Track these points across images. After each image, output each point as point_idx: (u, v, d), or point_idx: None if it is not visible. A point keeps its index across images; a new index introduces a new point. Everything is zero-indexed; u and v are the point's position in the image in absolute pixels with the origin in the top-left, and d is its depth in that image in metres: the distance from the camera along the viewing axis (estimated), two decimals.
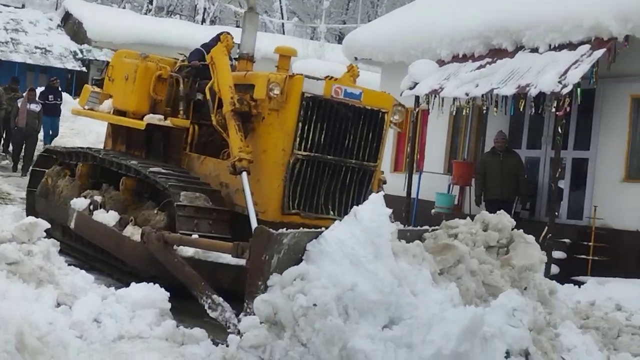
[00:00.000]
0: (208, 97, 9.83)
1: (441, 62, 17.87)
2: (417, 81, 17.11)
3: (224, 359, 6.81)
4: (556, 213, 16.12)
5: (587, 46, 15.03)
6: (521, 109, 15.68)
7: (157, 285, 8.10)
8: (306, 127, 8.97)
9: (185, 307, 8.36)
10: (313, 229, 7.71)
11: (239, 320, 7.11)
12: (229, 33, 10.24)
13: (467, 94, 16.11)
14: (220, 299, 7.73)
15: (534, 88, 15.03)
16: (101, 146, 13.13)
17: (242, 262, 8.11)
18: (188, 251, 8.65)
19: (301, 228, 7.75)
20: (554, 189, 15.81)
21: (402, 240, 7.78)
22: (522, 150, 17.43)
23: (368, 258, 7.23)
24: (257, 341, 6.71)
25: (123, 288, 8.22)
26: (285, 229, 7.43)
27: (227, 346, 6.91)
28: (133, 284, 8.13)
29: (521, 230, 8.86)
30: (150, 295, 7.91)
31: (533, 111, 15.75)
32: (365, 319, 6.81)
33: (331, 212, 9.16)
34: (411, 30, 19.10)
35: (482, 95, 15.87)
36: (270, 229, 7.21)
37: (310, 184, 9.09)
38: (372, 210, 7.56)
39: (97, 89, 12.29)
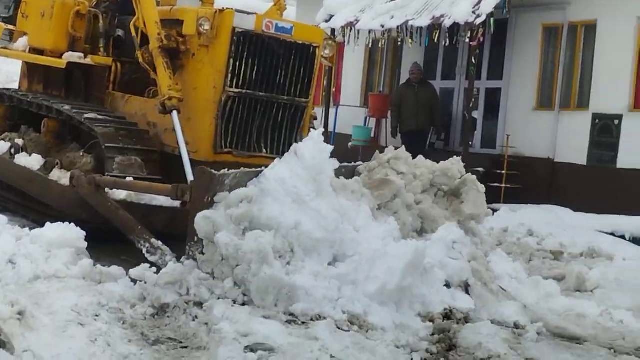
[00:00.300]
0: (133, 33, 9.47)
1: None
2: (333, 14, 17.05)
3: (142, 295, 6.83)
4: (470, 143, 16.50)
5: None
6: (436, 40, 15.80)
7: (72, 224, 7.85)
8: (237, 64, 8.81)
9: (104, 247, 8.17)
10: (253, 169, 7.66)
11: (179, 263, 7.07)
12: None
13: (382, 26, 16.15)
14: (160, 243, 7.62)
15: (448, 19, 15.19)
16: (12, 86, 12.62)
17: (176, 204, 8.01)
18: (120, 194, 8.47)
19: (241, 168, 7.62)
20: (468, 119, 16.12)
21: (341, 177, 7.83)
22: (437, 81, 17.65)
23: (311, 196, 7.24)
24: (173, 278, 6.81)
25: (38, 228, 7.95)
26: (226, 169, 7.39)
27: (145, 283, 6.97)
28: (48, 224, 7.85)
29: (474, 177, 8.95)
30: (65, 235, 7.69)
31: (447, 42, 15.87)
32: (310, 257, 6.87)
33: (264, 150, 9.12)
34: None
35: (397, 27, 15.94)
36: (212, 170, 7.15)
37: (243, 122, 8.99)
38: (313, 147, 7.53)
39: (9, 26, 11.75)
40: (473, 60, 15.81)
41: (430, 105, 16.66)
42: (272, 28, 8.90)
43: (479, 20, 14.72)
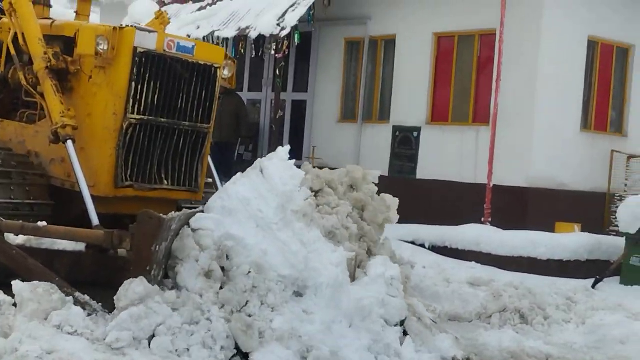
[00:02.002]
0: (13, 52, 8.25)
1: (162, 3, 17.58)
2: (138, 22, 16.68)
3: None
4: None
5: None
6: (242, 52, 15.85)
7: None
8: (139, 87, 7.81)
9: None
10: (194, 209, 6.93)
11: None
12: None
13: (188, 36, 15.96)
14: (87, 297, 6.56)
15: (254, 30, 15.30)
16: None
17: (80, 247, 7.22)
18: (16, 238, 7.41)
19: (150, 210, 6.58)
20: (275, 131, 16.29)
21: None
22: (244, 92, 17.69)
23: (278, 225, 6.57)
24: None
25: None
26: (173, 212, 6.64)
27: None
28: None
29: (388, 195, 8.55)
30: None
31: (254, 54, 15.96)
32: (273, 292, 6.32)
33: (165, 182, 8.15)
34: None
35: (204, 38, 15.83)
36: (160, 214, 6.30)
37: (144, 152, 7.98)
38: (282, 169, 6.81)
39: None
40: (279, 72, 16.01)
41: (236, 116, 16.63)
42: (173, 47, 7.94)
43: (283, 33, 14.91)
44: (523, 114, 14.11)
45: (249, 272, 6.31)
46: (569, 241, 12.69)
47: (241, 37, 15.63)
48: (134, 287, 5.97)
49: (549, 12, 14.11)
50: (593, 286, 10.96)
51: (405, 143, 15.71)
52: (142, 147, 7.94)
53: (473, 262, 12.50)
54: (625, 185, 15.02)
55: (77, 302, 6.30)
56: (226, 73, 8.59)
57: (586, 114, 15.15)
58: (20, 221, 7.14)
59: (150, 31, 7.92)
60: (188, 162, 8.28)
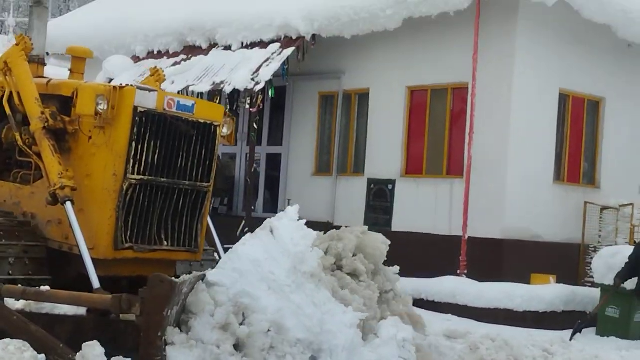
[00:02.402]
0: (8, 112, 8.13)
1: (136, 59, 17.68)
2: (112, 77, 16.75)
3: None
4: (253, 207, 16.65)
5: (278, 44, 15.65)
6: None
7: None
8: (140, 147, 7.65)
9: None
10: (202, 272, 6.80)
11: None
12: (24, 34, 8.57)
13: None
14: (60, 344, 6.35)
15: (228, 85, 15.38)
16: None
17: (82, 311, 7.03)
18: (16, 303, 7.29)
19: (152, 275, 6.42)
20: (250, 184, 16.29)
21: None
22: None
23: (291, 287, 6.44)
24: None
25: None
26: (183, 276, 6.48)
27: None
28: None
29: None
30: None
31: (228, 108, 16.01)
32: (292, 355, 6.20)
33: (165, 242, 7.97)
34: (106, 26, 18.67)
35: (178, 92, 15.85)
36: (172, 278, 6.12)
37: (143, 212, 7.81)
38: (292, 229, 6.71)
39: None
40: (254, 126, 16.07)
41: None
42: (173, 106, 7.79)
43: (258, 87, 15.01)
44: (496, 166, 14.21)
45: (269, 330, 6.21)
46: (545, 292, 12.71)
47: (216, 92, 15.70)
48: None
49: (520, 65, 14.30)
50: (570, 338, 10.94)
51: (380, 195, 15.74)
52: (142, 208, 7.77)
53: (449, 314, 12.46)
54: (599, 236, 15.11)
55: None
56: (225, 131, 8.37)
57: (559, 166, 15.29)
58: (20, 285, 7.03)
59: (150, 90, 7.80)
60: (188, 222, 8.11)
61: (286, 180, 17.09)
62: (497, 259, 13.92)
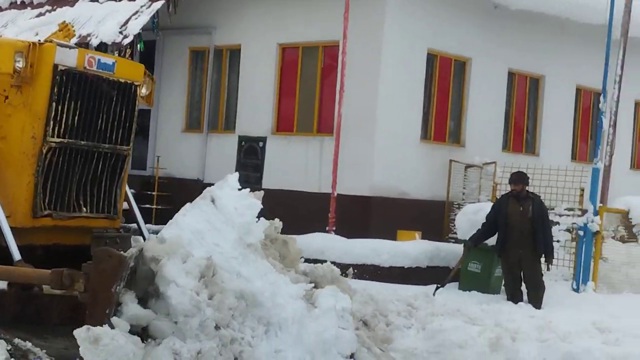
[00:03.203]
0: None
1: None
2: None
3: None
4: None
5: None
6: None
7: None
8: (60, 108, 7.22)
9: None
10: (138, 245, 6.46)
11: None
12: None
13: None
14: (28, 344, 5.92)
15: (95, 38, 14.95)
16: None
17: (2, 285, 6.45)
18: None
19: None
20: None
21: None
22: None
23: (238, 260, 6.17)
24: None
25: None
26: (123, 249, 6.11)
27: None
28: None
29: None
30: None
31: None
32: (249, 327, 5.94)
33: (84, 209, 7.60)
34: None
35: None
36: (119, 252, 5.79)
37: (62, 178, 7.41)
38: (236, 198, 6.40)
39: None
40: None
41: None
42: (94, 64, 7.39)
43: (126, 41, 14.66)
44: (365, 124, 14.40)
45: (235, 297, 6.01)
46: (410, 248, 13.03)
47: (82, 45, 15.19)
48: None
49: (390, 25, 14.47)
50: (434, 293, 11.26)
51: (251, 153, 15.72)
52: (61, 173, 7.37)
53: None
54: (463, 193, 15.58)
55: (14, 351, 5.78)
56: (144, 91, 8.02)
57: (426, 125, 15.62)
58: None
59: (70, 47, 7.38)
60: (107, 188, 7.75)
61: (155, 137, 16.84)
62: (365, 215, 14.17)
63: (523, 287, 11.50)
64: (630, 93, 18.24)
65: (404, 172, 14.80)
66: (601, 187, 13.19)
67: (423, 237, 13.72)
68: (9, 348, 5.80)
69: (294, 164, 15.09)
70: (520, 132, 17.61)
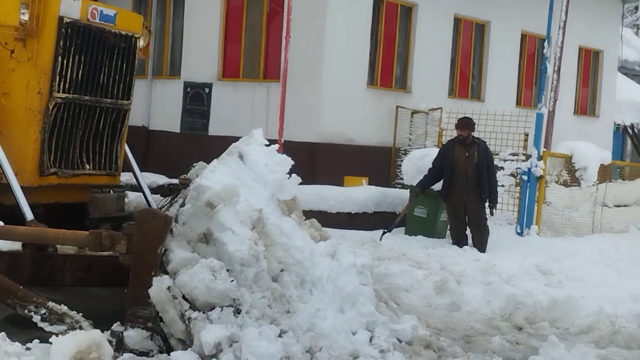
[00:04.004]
0: None
1: None
2: None
3: None
4: None
5: None
6: None
7: None
8: (64, 62, 6.98)
9: None
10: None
11: (115, 334, 5.43)
12: None
13: None
14: (64, 307, 5.66)
15: None
16: None
17: (17, 246, 6.28)
18: None
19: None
20: None
21: None
22: None
23: (275, 216, 6.06)
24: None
25: None
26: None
27: None
28: None
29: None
30: None
31: None
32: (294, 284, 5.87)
33: (87, 166, 7.45)
34: None
35: None
36: (164, 212, 5.64)
37: (67, 134, 7.20)
38: (265, 154, 6.23)
39: None
40: None
41: None
42: (97, 16, 7.16)
43: None
44: (312, 70, 14.32)
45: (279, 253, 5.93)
46: (357, 194, 13.10)
47: None
48: None
49: None
50: (380, 238, 11.37)
51: (197, 99, 15.56)
52: (65, 129, 7.17)
53: None
54: (410, 139, 15.66)
55: (49, 315, 5.55)
56: (141, 43, 7.81)
57: (372, 71, 15.60)
58: None
59: None
60: (108, 144, 7.61)
61: None
62: (312, 162, 14.17)
63: (468, 232, 11.68)
64: (574, 39, 18.45)
65: (351, 118, 14.80)
66: (545, 132, 13.37)
67: (370, 183, 13.80)
68: (43, 312, 5.59)
69: (240, 111, 14.98)
70: (466, 78, 17.70)
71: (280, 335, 5.45)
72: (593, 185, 14.16)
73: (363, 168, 14.33)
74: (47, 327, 5.55)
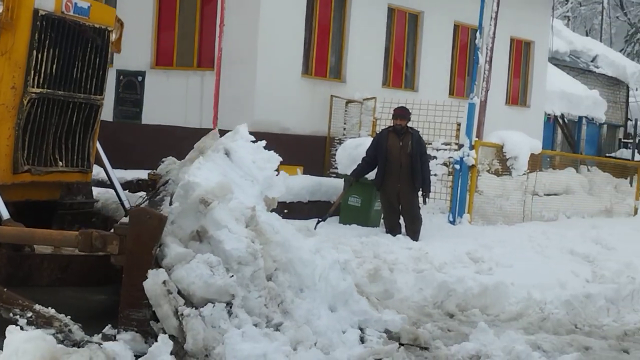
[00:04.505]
0: None
1: None
2: None
3: None
4: None
5: None
6: None
7: None
8: (39, 56, 6.76)
9: None
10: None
11: (106, 337, 5.30)
12: None
13: None
14: (51, 310, 5.46)
15: None
16: None
17: None
18: None
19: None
20: None
21: None
22: None
23: (265, 214, 6.02)
24: None
25: None
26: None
27: None
28: None
29: None
30: None
31: None
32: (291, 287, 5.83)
33: (60, 163, 7.23)
34: None
35: None
36: (156, 210, 5.45)
37: (40, 131, 6.98)
38: (252, 151, 6.15)
39: None
40: None
41: None
42: (71, 9, 6.95)
43: None
44: (246, 59, 14.27)
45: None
46: (292, 184, 13.08)
47: None
48: None
49: None
50: (315, 227, 11.40)
51: (130, 87, 15.37)
52: (39, 125, 6.94)
53: None
54: (344, 128, 15.72)
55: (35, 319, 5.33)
56: (114, 36, 7.58)
57: (307, 60, 15.61)
58: None
59: None
60: (80, 140, 7.39)
61: None
62: None
63: (401, 220, 11.78)
64: (505, 30, 18.71)
65: (286, 107, 14.79)
66: (477, 122, 13.56)
67: (305, 172, 13.81)
68: (29, 315, 5.38)
69: (174, 99, 14.85)
70: (400, 68, 17.83)
71: (277, 329, 5.43)
72: (524, 174, 14.41)
73: (298, 157, 14.31)
74: (33, 331, 5.25)
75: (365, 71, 16.52)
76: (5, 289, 5.54)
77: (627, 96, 31.92)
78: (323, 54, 15.95)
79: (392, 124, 11.87)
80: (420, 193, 11.69)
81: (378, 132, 12.79)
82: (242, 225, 5.69)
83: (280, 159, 6.63)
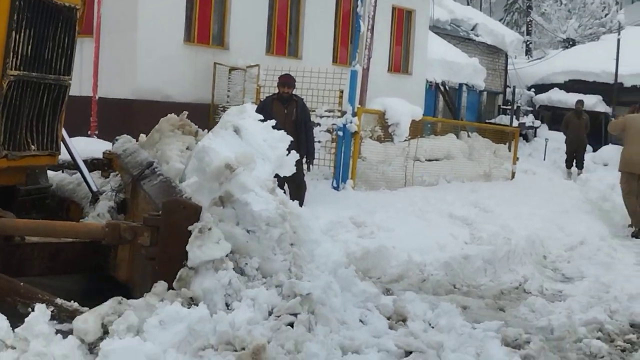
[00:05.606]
0: None
1: None
2: None
3: None
4: None
5: None
6: None
7: None
8: (17, 37, 6.47)
9: None
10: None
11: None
12: None
13: None
14: (75, 304, 5.21)
15: None
16: None
17: None
18: None
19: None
20: None
21: None
22: None
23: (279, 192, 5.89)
24: None
25: None
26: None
27: None
28: None
29: None
30: None
31: None
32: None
33: (32, 147, 6.95)
34: None
35: None
36: (190, 200, 5.23)
37: (15, 114, 6.70)
38: (262, 130, 5.99)
39: None
40: None
41: None
42: None
43: None
44: (126, 25, 14.01)
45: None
46: None
47: None
48: None
49: None
50: None
51: None
52: (14, 109, 6.64)
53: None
54: (228, 96, 15.64)
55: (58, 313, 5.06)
56: (78, 15, 7.36)
57: (189, 27, 15.42)
58: None
59: None
60: (50, 122, 7.12)
61: None
62: (128, 119, 13.90)
63: (286, 187, 11.84)
64: None
65: (168, 75, 14.61)
66: (360, 89, 13.69)
67: None
68: (52, 309, 5.04)
69: None
70: (283, 36, 17.82)
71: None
72: (405, 140, 14.66)
73: None
74: (56, 325, 5.04)
75: (249, 38, 16.45)
76: (22, 283, 5.36)
77: (506, 64, 32.84)
78: (205, 20, 15.79)
79: (276, 92, 11.88)
80: (304, 160, 11.76)
81: (262, 100, 12.77)
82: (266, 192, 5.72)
83: (291, 138, 6.60)
